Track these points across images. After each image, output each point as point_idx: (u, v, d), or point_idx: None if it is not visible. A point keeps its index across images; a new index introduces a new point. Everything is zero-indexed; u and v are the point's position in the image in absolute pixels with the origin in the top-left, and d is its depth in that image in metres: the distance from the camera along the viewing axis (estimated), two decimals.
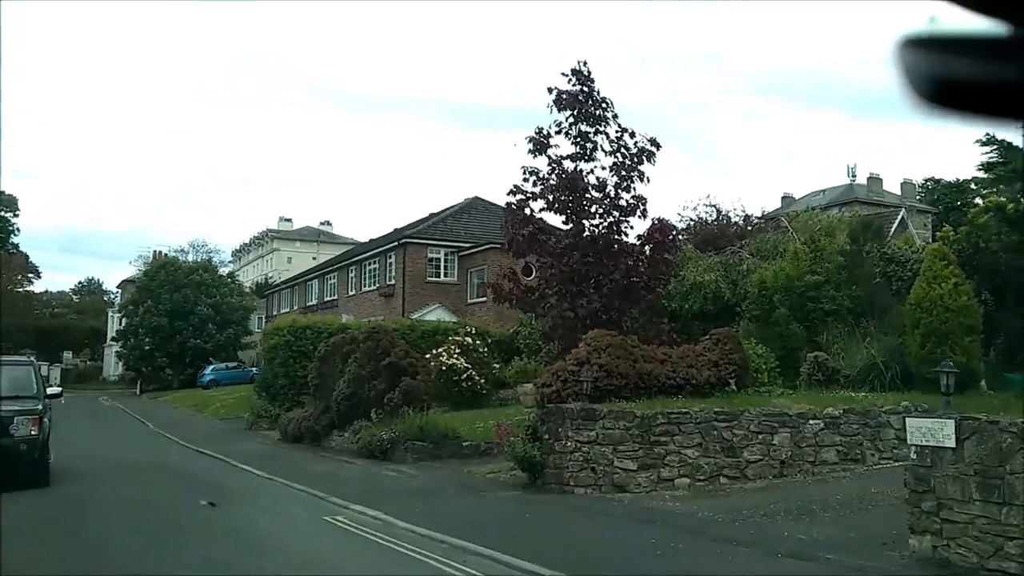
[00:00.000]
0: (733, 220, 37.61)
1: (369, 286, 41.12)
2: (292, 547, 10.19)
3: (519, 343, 27.78)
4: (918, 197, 54.42)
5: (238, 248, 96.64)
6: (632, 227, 19.21)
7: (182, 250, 75.26)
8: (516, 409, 21.48)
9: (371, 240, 45.40)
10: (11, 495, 13.66)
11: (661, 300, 20.92)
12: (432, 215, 42.83)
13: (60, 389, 16.43)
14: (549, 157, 18.71)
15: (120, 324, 60.54)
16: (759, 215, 39.66)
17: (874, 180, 54.92)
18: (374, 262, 40.96)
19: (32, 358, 17.16)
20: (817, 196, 53.29)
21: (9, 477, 14.30)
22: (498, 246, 36.38)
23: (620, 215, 18.85)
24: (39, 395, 15.45)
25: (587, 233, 18.69)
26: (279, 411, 27.56)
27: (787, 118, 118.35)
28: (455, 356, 24.82)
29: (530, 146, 18.57)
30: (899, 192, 53.88)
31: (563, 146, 18.87)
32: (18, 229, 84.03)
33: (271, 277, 75.02)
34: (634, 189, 18.78)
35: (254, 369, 56.02)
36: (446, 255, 38.44)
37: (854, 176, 56.40)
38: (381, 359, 20.58)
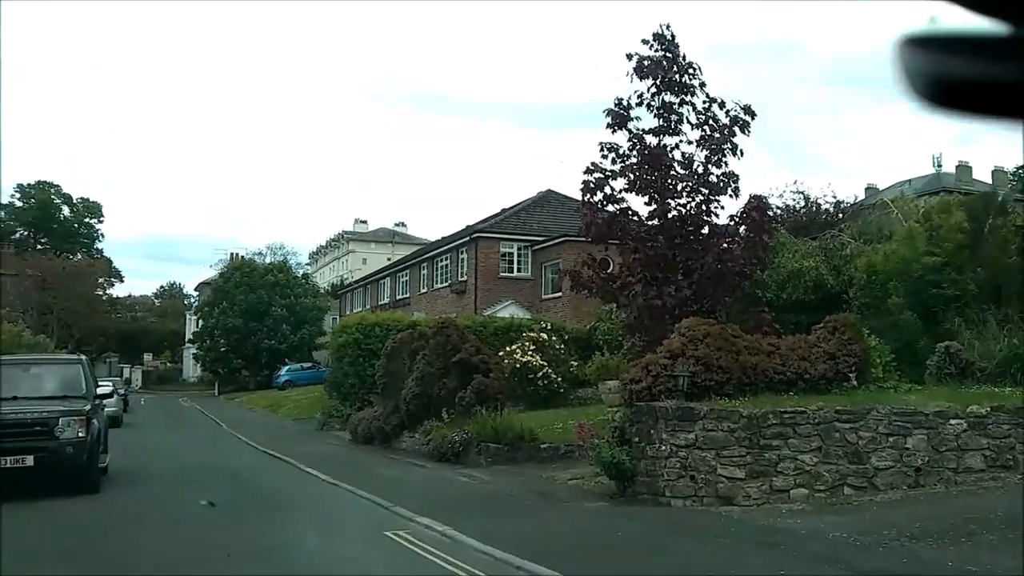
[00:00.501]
0: (823, 207, 35.14)
1: (441, 283, 39.84)
2: (344, 574, 8.65)
3: (597, 339, 26.01)
4: (1010, 185, 50.72)
5: (315, 251, 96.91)
6: (723, 207, 17.26)
7: (260, 253, 75.42)
8: (597, 409, 19.72)
9: (443, 237, 44.12)
10: (52, 503, 12.54)
11: (755, 290, 18.89)
12: (504, 210, 41.34)
13: (111, 388, 15.16)
14: (629, 131, 16.86)
15: (196, 326, 60.73)
16: (851, 202, 37.04)
17: (963, 168, 51.38)
18: (446, 258, 39.65)
19: (82, 356, 16.09)
20: (903, 186, 50.07)
21: (55, 483, 13.22)
22: (573, 239, 34.76)
23: (710, 193, 16.89)
24: (88, 395, 14.33)
25: (673, 214, 16.78)
26: (349, 411, 26.38)
27: (862, 108, 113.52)
28: (530, 353, 23.26)
29: (608, 120, 16.75)
30: (990, 180, 50.26)
31: (645, 119, 17.03)
32: (102, 235, 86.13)
33: (346, 278, 74.67)
34: (725, 164, 16.81)
35: (328, 369, 55.57)
36: (519, 249, 36.86)
37: (939, 165, 52.97)
38: (451, 356, 19.05)
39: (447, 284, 38.72)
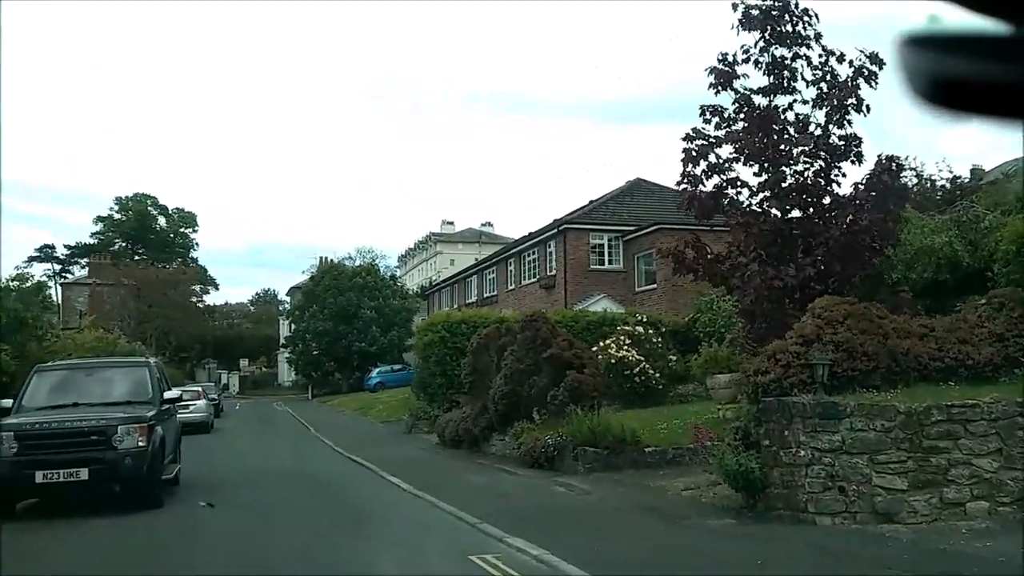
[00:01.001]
0: (939, 184, 32.11)
1: (529, 278, 38.17)
2: None
3: (697, 331, 23.89)
4: None
5: (403, 253, 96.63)
6: (844, 174, 15.01)
7: (349, 257, 75.34)
8: (703, 406, 17.74)
9: (530, 232, 42.41)
10: (107, 520, 11.31)
11: (880, 269, 16.56)
12: (591, 201, 39.38)
13: (178, 393, 13.95)
14: (735, 91, 14.78)
15: (289, 330, 60.67)
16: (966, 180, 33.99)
17: None
18: (533, 253, 37.96)
19: (150, 359, 14.96)
20: (1012, 165, 45.67)
21: (112, 497, 12.01)
22: (668, 225, 32.60)
23: (830, 158, 14.68)
24: (154, 400, 13.10)
25: (788, 183, 14.62)
26: (437, 412, 24.95)
27: None
28: (625, 347, 21.38)
29: (711, 79, 14.69)
30: None
31: (753, 78, 14.92)
32: (197, 244, 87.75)
33: (435, 280, 73.81)
34: (848, 124, 14.56)
35: (416, 371, 54.66)
36: (609, 240, 34.88)
37: None
38: (541, 351, 17.30)
39: (535, 279, 37.02)
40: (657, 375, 21.17)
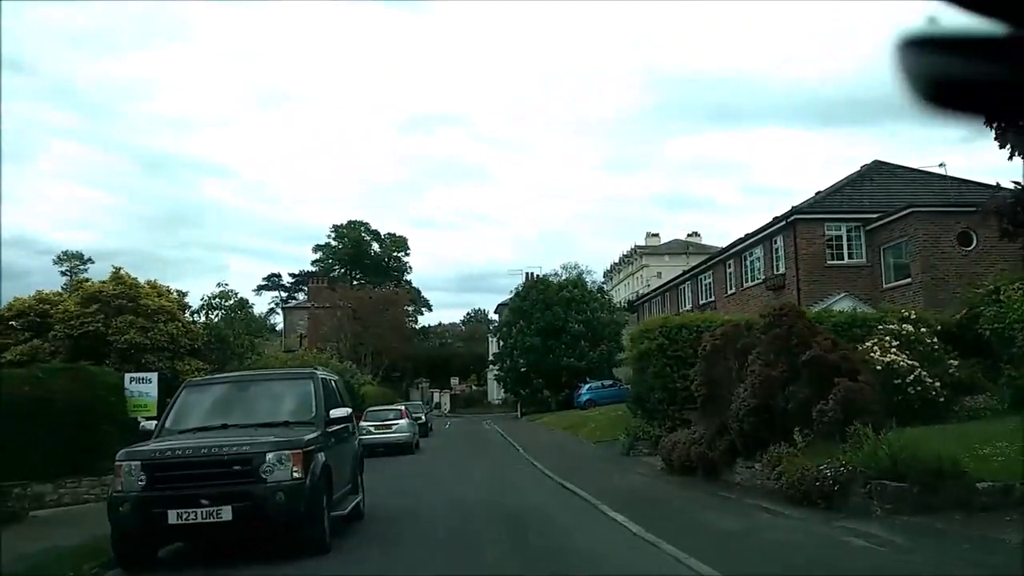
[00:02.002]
0: None
1: (752, 280, 33.62)
2: None
3: (981, 328, 18.74)
4: None
5: (608, 268, 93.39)
6: None
7: (555, 273, 73.05)
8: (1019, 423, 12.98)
9: (750, 232, 37.64)
10: (251, 572, 8.65)
11: None
12: (818, 193, 34.18)
13: (348, 411, 11.21)
14: None
15: (497, 347, 58.98)
16: None
17: None
18: (757, 251, 33.37)
19: (317, 370, 12.29)
20: None
21: (264, 540, 9.36)
22: (923, 207, 27.20)
23: None
24: (316, 420, 10.44)
25: None
26: (658, 432, 21.25)
27: None
28: (892, 351, 16.89)
29: None
30: None
31: None
32: (410, 267, 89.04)
33: (642, 294, 70.10)
34: None
35: (630, 387, 50.92)
36: (848, 231, 29.76)
37: None
38: (797, 353, 13.28)
39: (760, 280, 32.41)
40: (937, 384, 16.58)
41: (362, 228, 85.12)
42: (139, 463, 8.98)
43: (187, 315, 25.47)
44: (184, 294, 25.70)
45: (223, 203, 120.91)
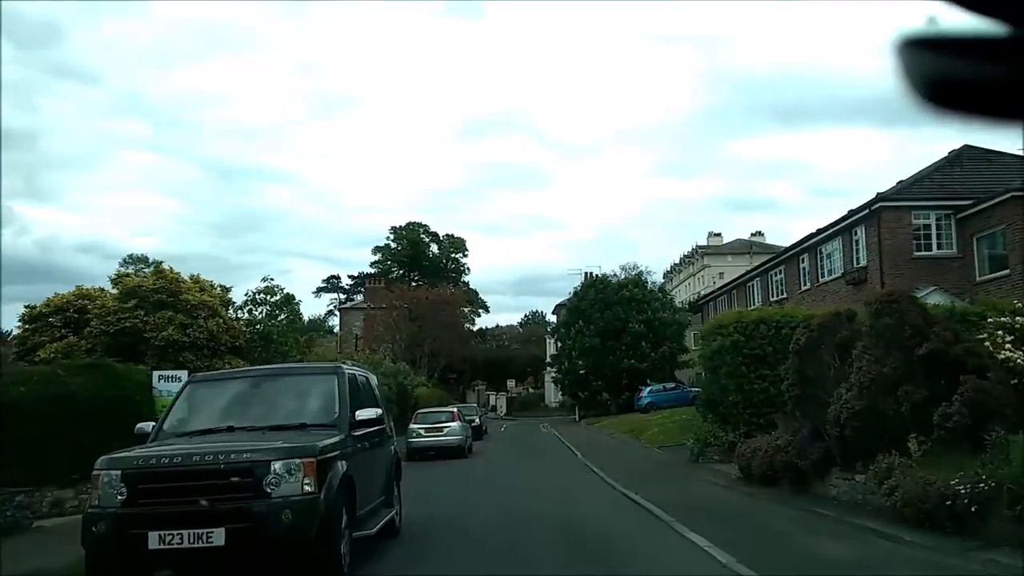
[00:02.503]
0: None
1: (829, 275, 31.04)
2: None
3: None
4: None
5: (668, 269, 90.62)
6: None
7: (614, 275, 70.93)
8: None
9: (823, 226, 34.96)
10: None
11: None
12: (900, 182, 31.42)
13: (378, 412, 9.33)
14: None
15: (555, 349, 56.99)
16: None
17: None
18: (834, 243, 30.78)
19: (342, 365, 10.41)
20: None
21: (266, 569, 7.59)
22: None
23: None
24: (339, 423, 8.68)
25: None
26: (732, 437, 19.12)
27: None
28: (1006, 347, 14.54)
29: None
30: None
31: None
32: (468, 268, 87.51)
33: (704, 293, 67.33)
34: None
35: (694, 389, 48.44)
36: (938, 220, 27.03)
37: None
38: (911, 346, 11.09)
39: (839, 275, 29.82)
40: None
41: (420, 230, 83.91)
42: (119, 472, 7.31)
43: (230, 311, 24.12)
44: (228, 289, 24.43)
45: (287, 209, 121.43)
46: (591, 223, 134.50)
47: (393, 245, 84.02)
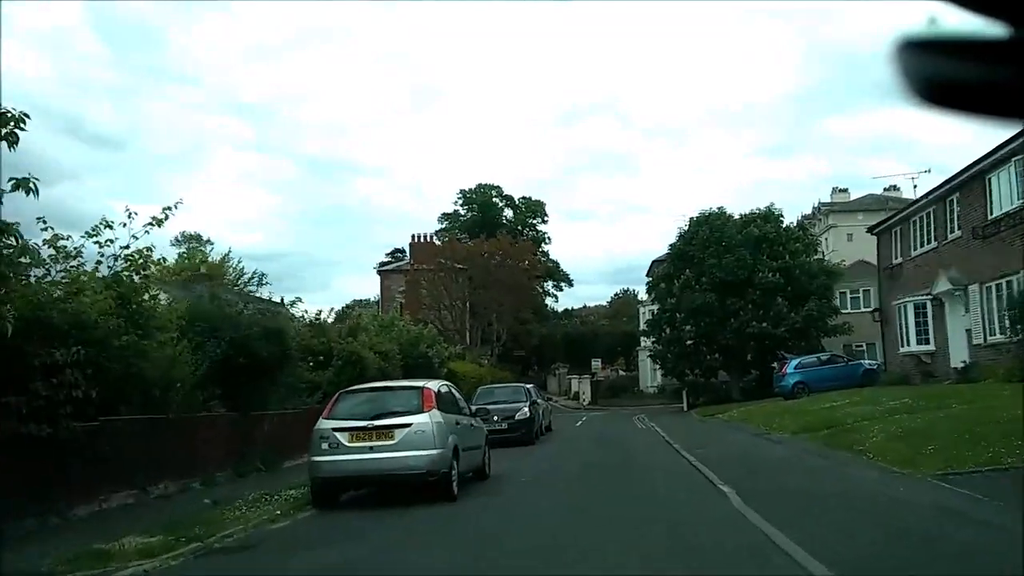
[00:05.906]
0: None
1: None
2: None
3: None
4: None
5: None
6: None
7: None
8: None
9: None
10: None
11: None
12: None
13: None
14: None
15: (650, 315, 40.52)
16: None
17: None
18: None
19: None
20: None
21: None
22: None
23: None
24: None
25: None
26: None
27: None
28: None
29: None
30: None
31: None
32: (548, 237, 71.65)
33: (826, 262, 48.44)
34: None
35: (868, 363, 31.23)
36: None
37: None
38: None
39: None
40: None
41: (492, 191, 68.74)
42: None
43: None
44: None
45: (377, 201, 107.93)
46: (684, 209, 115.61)
47: (462, 212, 69.19)
